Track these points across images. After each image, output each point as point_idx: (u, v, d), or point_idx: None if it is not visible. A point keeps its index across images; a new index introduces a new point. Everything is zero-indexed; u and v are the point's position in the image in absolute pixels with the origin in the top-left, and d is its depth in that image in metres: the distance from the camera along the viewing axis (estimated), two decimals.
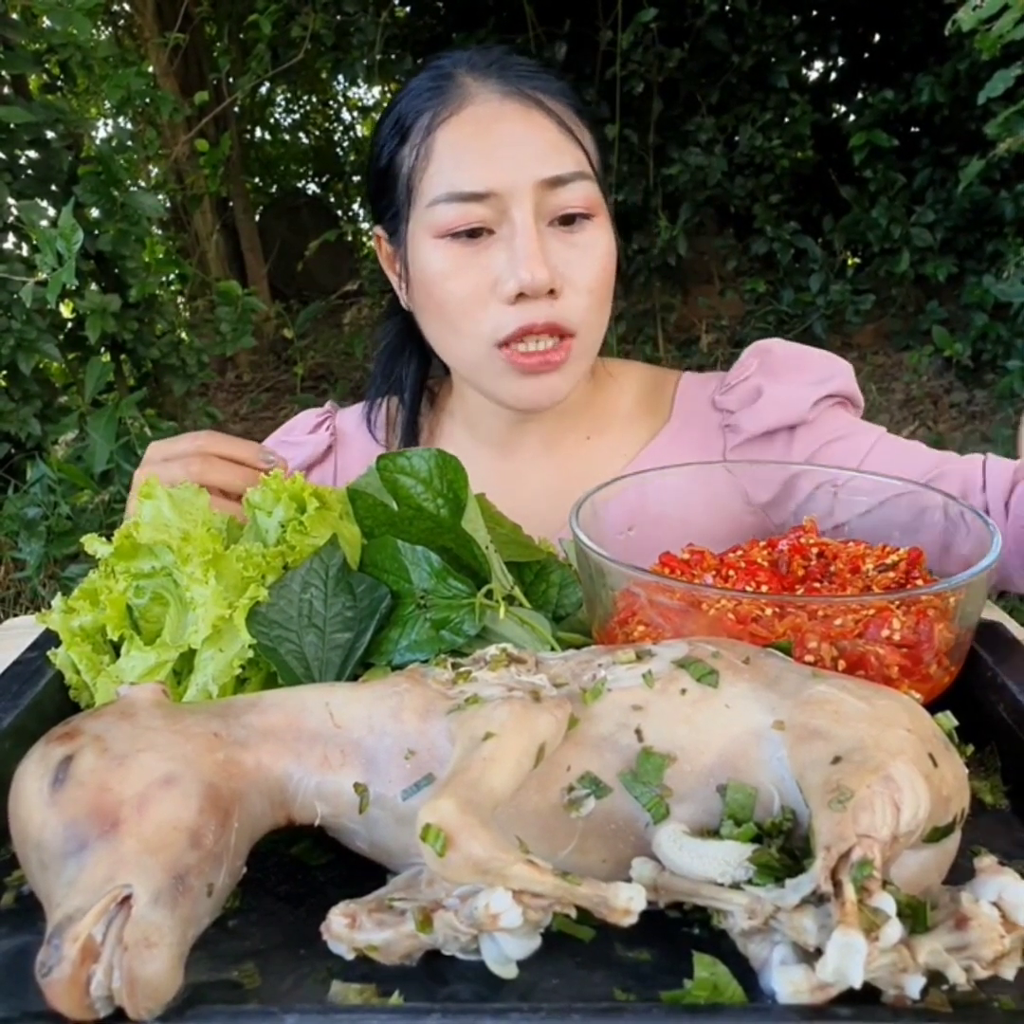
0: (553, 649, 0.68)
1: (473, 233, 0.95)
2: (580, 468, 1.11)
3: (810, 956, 0.43)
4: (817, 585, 0.68)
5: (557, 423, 1.11)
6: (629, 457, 1.11)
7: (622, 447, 1.12)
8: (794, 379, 1.09)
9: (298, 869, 0.57)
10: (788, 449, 1.07)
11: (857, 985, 0.40)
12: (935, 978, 0.43)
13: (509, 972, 0.45)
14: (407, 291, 1.05)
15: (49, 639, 0.73)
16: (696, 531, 0.78)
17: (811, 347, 1.14)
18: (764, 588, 0.67)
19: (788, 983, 0.42)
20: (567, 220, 0.96)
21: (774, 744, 0.49)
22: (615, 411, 1.15)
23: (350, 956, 0.47)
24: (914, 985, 0.42)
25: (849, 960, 0.40)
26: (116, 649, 0.70)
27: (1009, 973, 0.44)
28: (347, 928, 0.46)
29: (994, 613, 0.87)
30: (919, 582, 0.66)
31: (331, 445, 1.21)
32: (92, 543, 0.72)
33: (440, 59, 1.01)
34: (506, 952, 0.45)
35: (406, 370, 1.17)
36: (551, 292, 0.94)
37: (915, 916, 0.45)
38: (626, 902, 0.44)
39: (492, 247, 0.95)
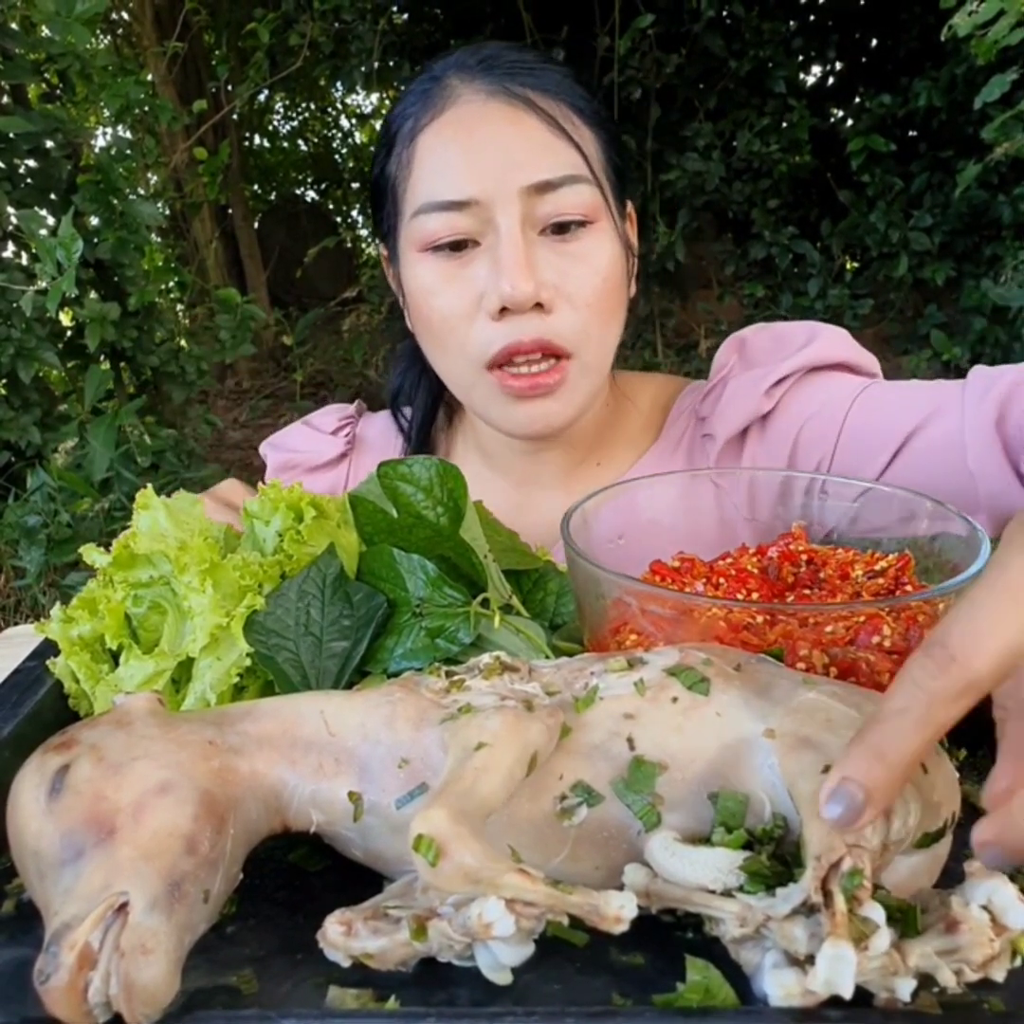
0: (548, 658, 0.69)
1: (457, 246, 0.90)
2: None
3: (802, 960, 0.43)
4: (807, 592, 0.68)
5: (569, 453, 1.06)
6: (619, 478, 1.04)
7: (621, 470, 1.07)
8: (765, 363, 1.00)
9: (296, 875, 0.57)
10: (761, 444, 0.99)
11: (847, 996, 0.41)
12: (925, 981, 0.43)
13: (503, 978, 0.46)
14: (406, 310, 1.01)
15: (48, 648, 0.73)
16: (686, 538, 0.78)
17: (792, 322, 1.05)
18: (754, 595, 0.67)
19: (780, 987, 0.42)
20: (561, 228, 0.89)
21: (765, 751, 0.49)
22: (626, 433, 1.09)
23: (346, 963, 0.47)
24: (905, 988, 0.42)
25: (839, 972, 0.40)
26: (115, 658, 0.70)
27: (999, 975, 0.44)
28: (343, 936, 0.46)
29: None
30: (908, 588, 0.66)
31: (346, 453, 1.17)
32: (90, 553, 0.73)
33: (434, 62, 0.95)
34: (500, 959, 0.45)
35: (416, 390, 1.13)
36: (539, 306, 0.88)
37: (906, 920, 0.45)
38: (617, 910, 0.44)
39: (477, 260, 0.90)
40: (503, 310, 0.88)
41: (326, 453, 1.17)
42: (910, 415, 0.88)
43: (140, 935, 0.43)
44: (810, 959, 0.42)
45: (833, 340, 1.00)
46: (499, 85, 0.89)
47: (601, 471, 1.07)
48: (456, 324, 0.91)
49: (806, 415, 0.95)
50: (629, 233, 1.00)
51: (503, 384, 0.91)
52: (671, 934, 0.50)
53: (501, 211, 0.87)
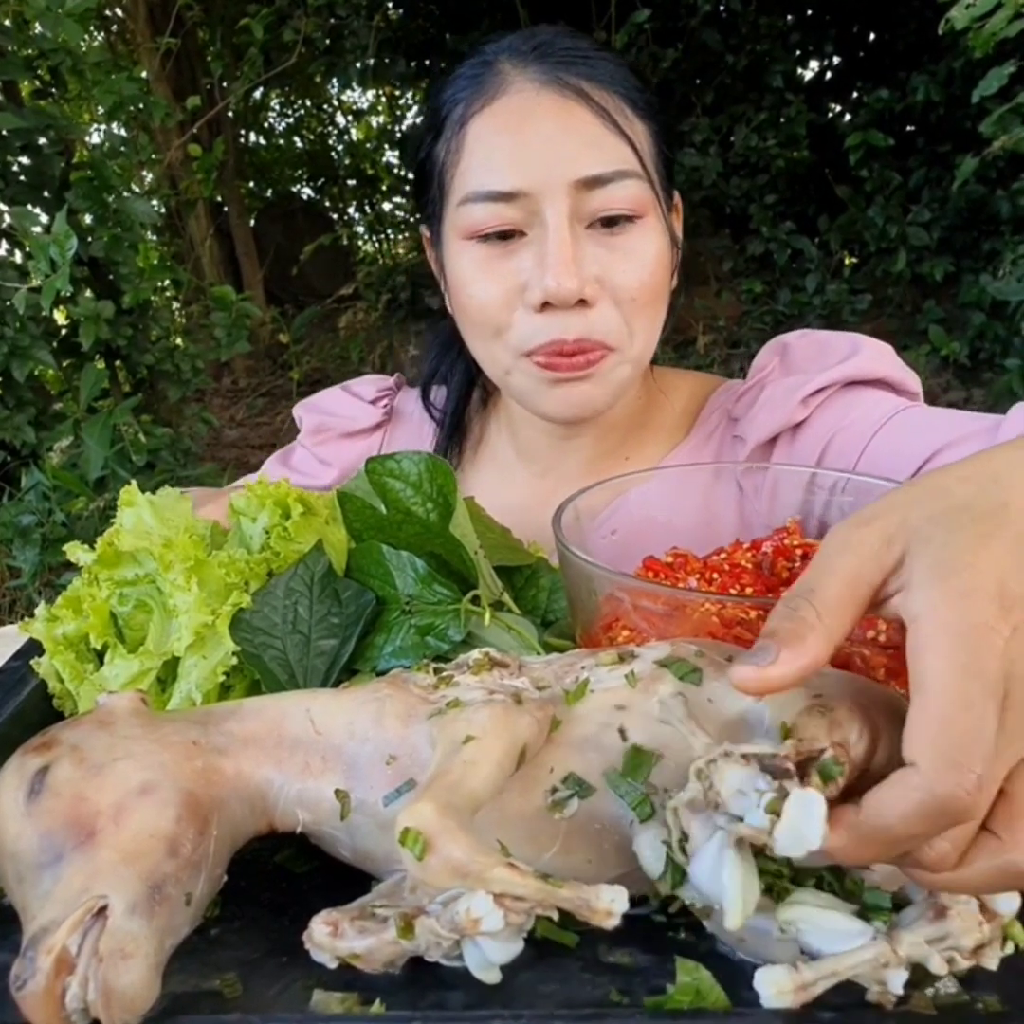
0: (539, 655, 0.68)
1: (503, 235, 0.89)
2: None
3: (795, 959, 0.43)
4: None
5: (599, 443, 1.05)
6: None
7: (649, 465, 1.04)
8: (805, 370, 0.99)
9: (282, 877, 0.56)
10: (790, 452, 0.97)
11: (816, 845, 0.39)
12: (919, 981, 0.43)
13: (492, 977, 0.45)
14: (445, 293, 1.01)
15: (33, 647, 0.73)
16: (679, 533, 0.77)
17: (838, 332, 1.03)
18: (748, 590, 0.66)
19: (771, 984, 0.42)
20: (608, 222, 0.88)
21: (757, 713, 0.49)
22: (657, 428, 1.08)
23: (333, 964, 0.46)
24: (897, 980, 0.42)
25: (806, 816, 0.39)
26: (100, 657, 0.70)
27: (992, 963, 0.44)
28: (329, 936, 0.46)
29: None
30: None
31: (382, 423, 1.18)
32: (75, 550, 0.72)
33: (485, 44, 0.94)
34: (489, 957, 0.44)
35: (452, 372, 1.14)
36: (582, 301, 0.87)
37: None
38: (608, 904, 0.43)
39: (522, 250, 0.89)
40: (545, 304, 0.87)
41: (362, 420, 1.17)
42: (936, 438, 0.86)
43: (119, 939, 0.42)
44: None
45: (875, 355, 0.99)
46: (552, 74, 0.88)
47: (629, 466, 1.05)
48: (496, 313, 0.91)
49: (836, 428, 0.94)
50: (675, 225, 1.00)
51: (540, 365, 0.90)
52: (662, 934, 0.49)
53: (549, 204, 0.86)
